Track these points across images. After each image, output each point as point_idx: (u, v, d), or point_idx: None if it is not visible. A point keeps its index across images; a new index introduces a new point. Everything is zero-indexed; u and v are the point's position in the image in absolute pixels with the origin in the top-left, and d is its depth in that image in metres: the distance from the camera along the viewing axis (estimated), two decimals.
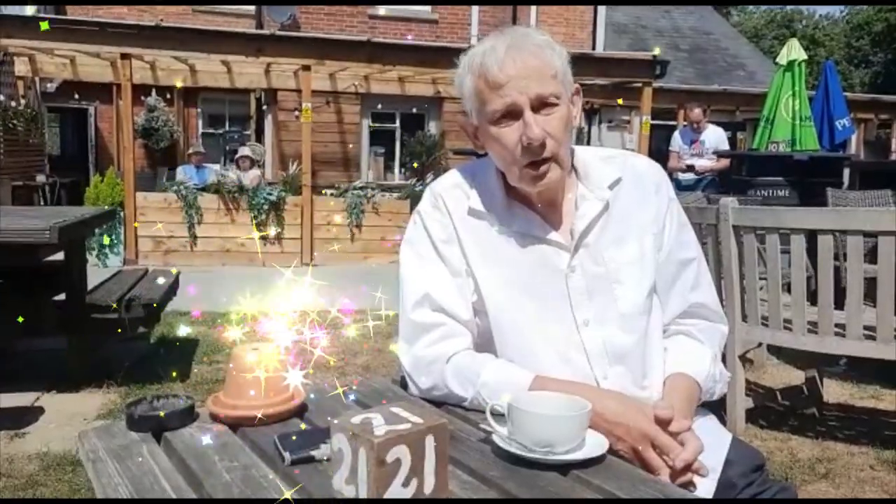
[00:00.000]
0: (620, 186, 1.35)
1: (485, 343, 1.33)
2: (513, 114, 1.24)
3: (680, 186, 7.62)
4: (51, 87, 11.34)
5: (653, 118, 10.18)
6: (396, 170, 13.12)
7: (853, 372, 4.10)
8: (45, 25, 7.82)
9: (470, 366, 1.26)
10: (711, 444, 1.33)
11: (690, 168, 7.87)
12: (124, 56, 8.26)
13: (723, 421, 1.45)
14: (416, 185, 9.63)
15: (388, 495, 0.84)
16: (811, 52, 8.80)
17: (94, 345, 4.00)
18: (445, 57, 7.84)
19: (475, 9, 13.37)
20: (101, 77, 9.92)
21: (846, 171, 7.83)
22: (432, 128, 12.98)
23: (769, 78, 9.04)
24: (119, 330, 3.79)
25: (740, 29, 23.54)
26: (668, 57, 11.19)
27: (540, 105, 1.23)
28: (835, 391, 3.92)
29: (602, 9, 14.70)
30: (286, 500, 0.87)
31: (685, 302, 1.38)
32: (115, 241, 8.29)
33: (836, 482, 2.86)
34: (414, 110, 12.66)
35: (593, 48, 14.03)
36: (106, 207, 6.98)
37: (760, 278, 3.21)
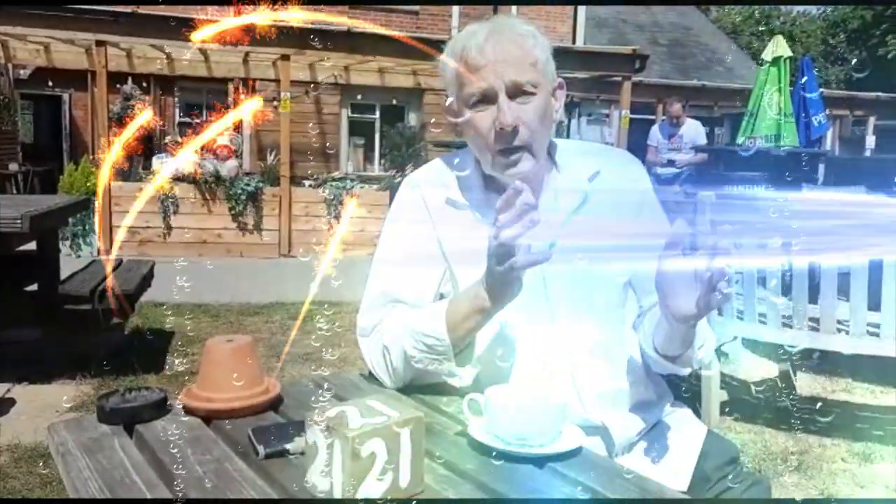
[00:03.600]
0: (599, 179, 1.35)
1: None
2: (488, 98, 1.24)
3: (658, 180, 7.67)
4: (24, 73, 11.16)
5: (632, 112, 10.22)
6: (376, 161, 13.06)
7: (826, 365, 4.16)
8: None
9: (395, 327, 1.28)
10: (686, 436, 1.34)
11: (670, 162, 7.92)
12: (99, 43, 8.13)
13: (697, 414, 1.45)
14: (396, 177, 9.60)
15: (362, 489, 0.84)
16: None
17: (68, 336, 3.94)
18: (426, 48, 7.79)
19: None
20: (76, 64, 9.75)
21: (821, 167, 7.93)
22: (412, 119, 12.94)
23: (747, 73, 9.14)
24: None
25: (719, 25, 23.71)
26: (647, 51, 11.24)
27: (516, 92, 1.23)
28: (808, 384, 3.97)
29: None
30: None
31: None
32: (89, 231, 8.18)
33: (809, 474, 2.90)
34: (394, 102, 12.61)
35: (573, 42, 14.05)
36: (79, 196, 6.89)
37: (736, 272, 3.24)
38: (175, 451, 1.01)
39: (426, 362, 1.23)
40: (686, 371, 1.30)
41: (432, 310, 1.25)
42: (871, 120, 14.77)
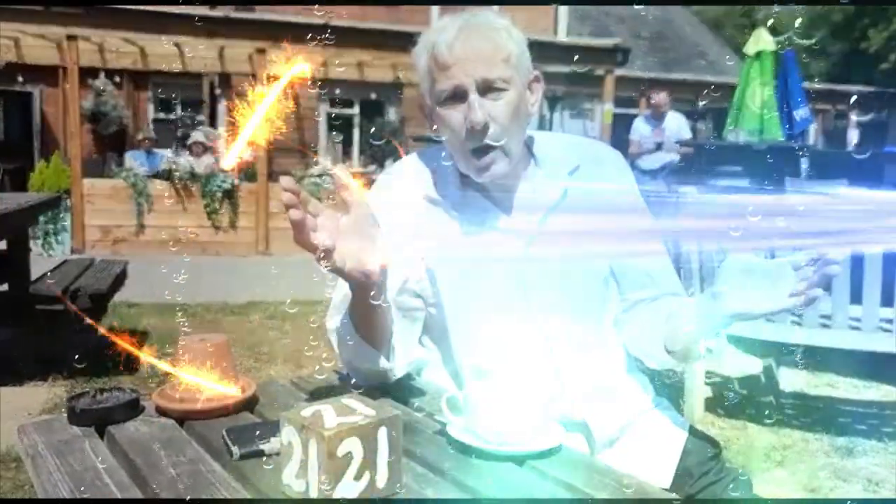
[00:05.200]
0: (580, 173, 1.34)
1: (440, 333, 1.31)
2: (459, 96, 1.23)
3: (641, 174, 7.63)
4: None
5: (615, 106, 10.26)
6: (355, 156, 13.01)
7: (809, 360, 4.18)
8: None
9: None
10: (668, 432, 1.34)
11: (653, 154, 7.81)
12: (70, 37, 8.03)
13: (680, 410, 1.45)
14: (375, 172, 9.58)
15: (339, 489, 0.82)
16: None
17: (39, 337, 3.88)
18: (405, 42, 7.79)
19: None
20: (47, 59, 9.61)
21: (804, 161, 8.00)
22: (392, 114, 12.90)
23: (729, 67, 9.20)
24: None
25: (701, 18, 23.86)
26: (629, 45, 11.29)
27: (487, 89, 1.22)
28: (791, 379, 3.99)
29: None
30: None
31: (651, 283, 1.37)
32: (61, 230, 8.08)
33: (792, 469, 2.92)
34: (373, 96, 12.56)
35: (555, 35, 14.06)
36: (50, 194, 6.79)
37: (718, 263, 3.24)
38: (147, 452, 1.00)
39: (354, 357, 1.22)
40: (683, 366, 1.30)
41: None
42: (853, 114, 14.97)
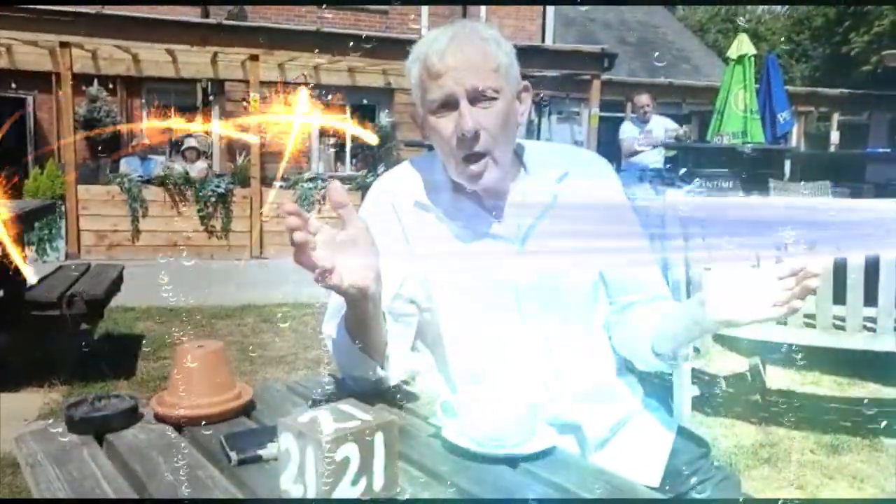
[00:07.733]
0: (568, 180, 1.36)
1: (434, 338, 1.32)
2: (450, 104, 1.24)
3: (631, 175, 7.63)
4: None
5: (601, 110, 10.30)
6: (347, 161, 13.00)
7: (794, 358, 4.22)
8: None
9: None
10: (658, 432, 1.36)
11: (642, 154, 7.81)
12: (63, 44, 8.01)
13: (669, 409, 1.47)
14: (368, 177, 9.57)
15: (336, 494, 0.83)
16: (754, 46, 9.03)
17: (35, 342, 3.87)
18: (396, 48, 7.79)
19: None
20: (40, 66, 9.58)
21: (787, 163, 8.06)
22: (383, 119, 12.89)
23: (713, 71, 9.26)
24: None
25: (685, 23, 23.95)
26: (615, 50, 11.33)
27: (477, 98, 1.24)
28: (777, 378, 4.02)
29: None
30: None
31: (639, 287, 1.39)
32: (56, 236, 8.06)
33: (778, 466, 2.95)
34: (365, 101, 12.55)
35: (542, 41, 14.10)
36: (45, 201, 6.78)
37: (706, 268, 3.27)
38: (146, 459, 1.00)
39: (350, 366, 1.24)
40: (672, 368, 1.32)
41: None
42: (835, 116, 15.03)
